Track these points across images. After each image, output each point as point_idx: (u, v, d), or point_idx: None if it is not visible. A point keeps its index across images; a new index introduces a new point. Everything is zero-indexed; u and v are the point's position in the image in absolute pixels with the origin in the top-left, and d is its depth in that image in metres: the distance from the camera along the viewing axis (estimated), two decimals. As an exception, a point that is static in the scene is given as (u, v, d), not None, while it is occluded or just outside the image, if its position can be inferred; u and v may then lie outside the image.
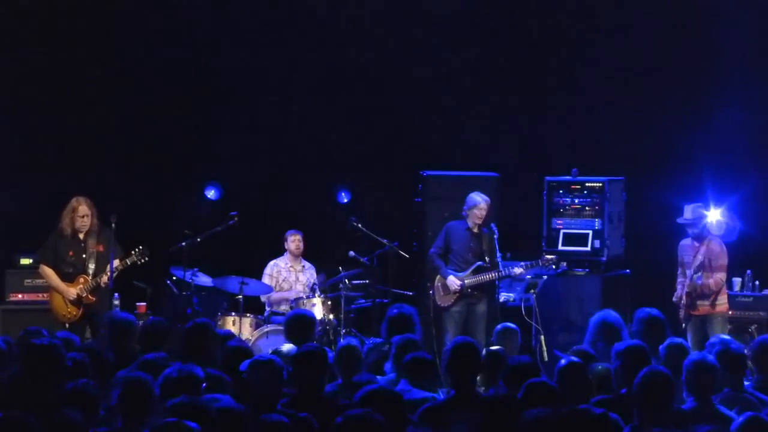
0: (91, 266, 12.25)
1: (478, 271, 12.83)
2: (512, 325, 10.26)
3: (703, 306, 12.26)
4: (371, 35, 15.08)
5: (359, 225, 14.07)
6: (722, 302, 12.31)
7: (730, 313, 12.53)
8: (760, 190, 13.80)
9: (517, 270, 12.87)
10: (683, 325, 12.30)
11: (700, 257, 12.20)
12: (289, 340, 9.67)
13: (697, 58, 14.55)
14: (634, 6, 14.68)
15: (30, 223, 13.65)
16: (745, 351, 12.54)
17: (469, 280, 12.83)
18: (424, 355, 8.45)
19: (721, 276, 12.27)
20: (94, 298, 12.23)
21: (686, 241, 12.49)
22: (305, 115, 15.25)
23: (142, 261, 12.29)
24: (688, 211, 12.44)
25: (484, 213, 12.85)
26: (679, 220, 12.52)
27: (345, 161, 15.21)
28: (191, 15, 14.80)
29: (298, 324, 9.82)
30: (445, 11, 15.11)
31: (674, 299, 12.40)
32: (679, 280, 12.42)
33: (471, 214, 12.89)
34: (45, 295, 12.94)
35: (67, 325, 12.05)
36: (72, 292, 12.20)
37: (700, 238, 12.36)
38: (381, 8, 15.07)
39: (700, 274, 12.14)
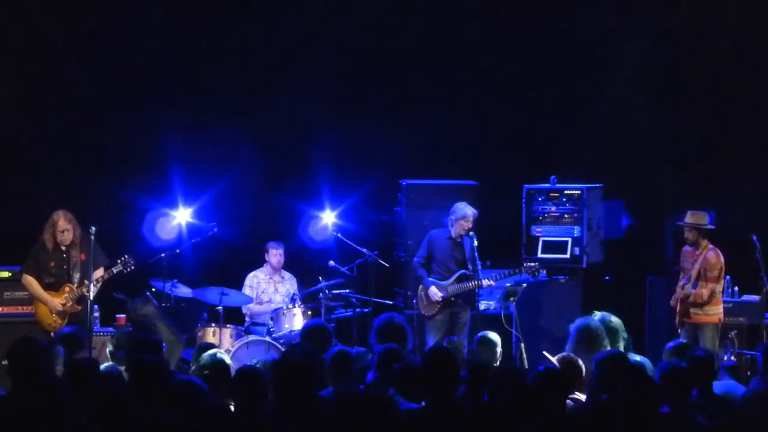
0: (76, 275, 12.23)
1: (461, 279, 12.84)
2: (492, 335, 10.27)
3: (696, 315, 12.29)
4: (352, 44, 15.09)
5: (339, 234, 14.09)
6: (715, 312, 12.33)
7: (719, 322, 12.50)
8: (739, 195, 13.85)
9: (485, 282, 12.85)
10: (678, 330, 12.34)
11: (696, 266, 12.23)
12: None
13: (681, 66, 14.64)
14: (619, 20, 14.72)
15: (7, 236, 13.56)
16: (726, 356, 12.70)
17: (453, 288, 12.83)
18: (413, 365, 8.40)
19: (714, 287, 12.28)
20: (80, 307, 12.19)
21: (688, 248, 12.53)
22: (286, 123, 15.23)
23: (128, 270, 12.26)
24: (689, 216, 12.45)
25: (471, 225, 12.88)
26: (679, 222, 12.54)
27: (323, 169, 15.19)
28: (169, 29, 14.77)
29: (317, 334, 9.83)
30: (425, 21, 15.15)
31: (671, 302, 12.43)
32: (680, 284, 12.46)
33: (458, 224, 12.89)
34: (25, 307, 12.91)
35: (52, 334, 12.00)
36: (56, 303, 12.17)
37: (695, 243, 12.38)
38: (361, 17, 15.08)
39: (695, 282, 12.16)
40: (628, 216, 14.12)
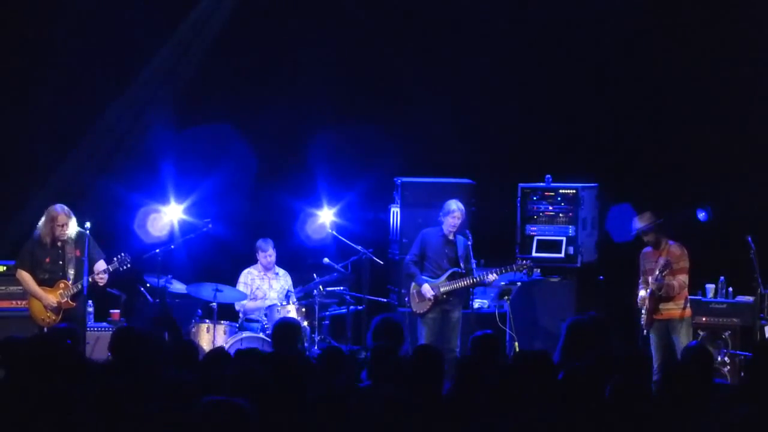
0: (71, 272, 12.18)
1: (452, 277, 12.84)
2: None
3: (666, 310, 12.24)
4: (349, 42, 15.09)
5: (335, 232, 14.09)
6: (685, 306, 12.29)
7: (689, 315, 12.46)
8: (734, 196, 13.86)
9: (491, 276, 12.86)
10: (644, 331, 12.30)
11: (662, 260, 12.17)
12: (276, 348, 9.62)
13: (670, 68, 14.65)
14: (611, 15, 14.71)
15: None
16: (719, 357, 12.69)
17: (444, 287, 12.83)
18: (406, 363, 8.39)
19: (684, 278, 12.25)
20: (74, 303, 12.16)
21: (647, 249, 12.49)
22: (282, 120, 15.23)
23: (124, 268, 12.23)
24: (639, 220, 12.40)
25: (457, 222, 12.87)
26: (633, 231, 12.49)
27: (319, 167, 15.19)
28: (162, 24, 14.75)
29: (284, 332, 9.75)
30: (422, 20, 15.17)
31: (639, 302, 12.38)
32: (641, 286, 12.42)
33: (446, 221, 12.92)
34: (19, 302, 12.90)
35: (45, 330, 11.99)
36: (51, 299, 12.12)
37: (657, 244, 12.34)
38: (358, 15, 15.09)
39: (665, 274, 12.09)
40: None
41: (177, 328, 11.08)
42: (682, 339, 12.02)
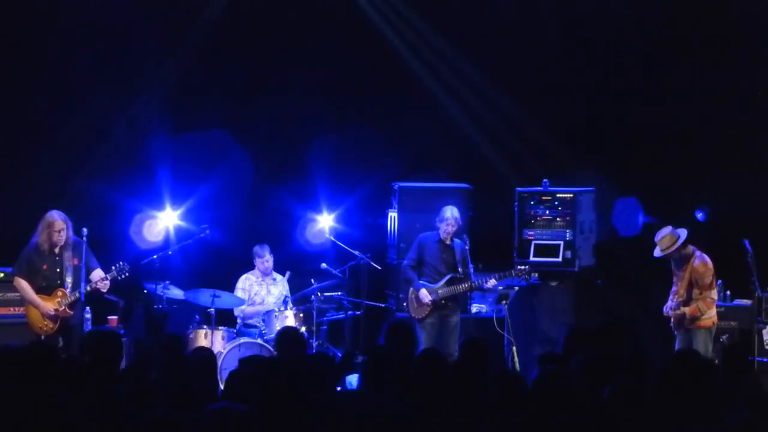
0: (69, 280, 12.15)
1: (451, 282, 12.84)
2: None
3: (689, 320, 12.21)
4: (347, 47, 15.10)
5: (332, 237, 14.09)
6: (708, 316, 12.23)
7: (709, 326, 12.41)
8: (731, 199, 13.85)
9: (491, 282, 12.86)
10: (675, 332, 12.28)
11: (686, 276, 12.14)
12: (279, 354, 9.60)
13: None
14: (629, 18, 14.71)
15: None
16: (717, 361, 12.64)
17: (443, 291, 12.83)
18: (405, 366, 8.36)
19: (708, 294, 12.17)
20: (72, 312, 12.15)
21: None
22: (280, 126, 15.23)
23: (122, 277, 12.21)
24: (660, 244, 12.26)
25: (451, 229, 12.89)
26: (656, 255, 12.39)
27: (317, 172, 15.20)
28: (159, 28, 14.75)
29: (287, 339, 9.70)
30: (421, 26, 15.18)
31: (664, 311, 12.32)
32: (673, 289, 12.35)
33: (441, 227, 12.95)
34: (16, 309, 12.89)
35: (43, 337, 11.97)
36: (49, 307, 12.09)
37: (684, 258, 12.24)
38: (357, 20, 15.10)
39: (688, 290, 12.08)
40: (644, 214, 14.01)
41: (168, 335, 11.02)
42: (700, 347, 12.01)
